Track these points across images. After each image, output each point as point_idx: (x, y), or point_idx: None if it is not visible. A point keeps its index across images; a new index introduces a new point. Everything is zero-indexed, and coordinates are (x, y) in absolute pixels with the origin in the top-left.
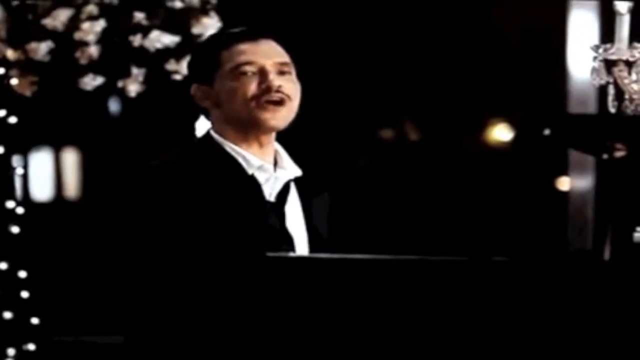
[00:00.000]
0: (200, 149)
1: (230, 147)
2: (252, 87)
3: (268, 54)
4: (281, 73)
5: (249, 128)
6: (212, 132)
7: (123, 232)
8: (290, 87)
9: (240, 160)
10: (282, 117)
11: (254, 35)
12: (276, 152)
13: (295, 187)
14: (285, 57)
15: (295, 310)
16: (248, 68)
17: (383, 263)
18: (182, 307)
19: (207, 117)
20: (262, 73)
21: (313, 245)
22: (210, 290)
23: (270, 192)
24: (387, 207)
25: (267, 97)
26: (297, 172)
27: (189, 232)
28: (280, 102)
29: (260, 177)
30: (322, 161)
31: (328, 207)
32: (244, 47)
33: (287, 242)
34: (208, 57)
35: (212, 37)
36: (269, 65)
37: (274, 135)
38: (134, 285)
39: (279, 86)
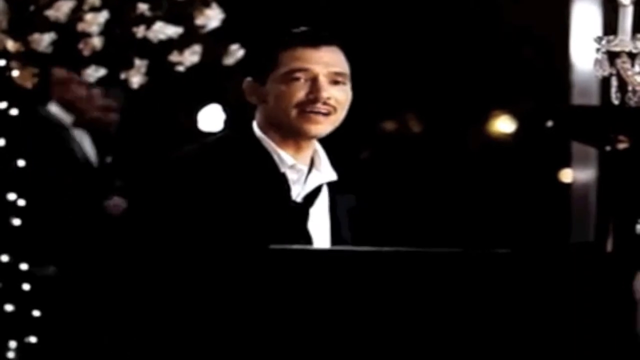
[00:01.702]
0: (238, 140)
1: (268, 143)
2: (300, 95)
3: (325, 63)
4: (334, 82)
5: (288, 133)
6: (254, 126)
7: (137, 221)
8: (340, 97)
9: (275, 157)
10: (324, 127)
11: (316, 41)
12: (315, 153)
13: (328, 191)
14: (342, 67)
15: (298, 302)
16: (301, 75)
17: (384, 255)
18: (190, 298)
19: (254, 110)
20: (314, 82)
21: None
22: (217, 280)
23: (299, 193)
24: (397, 202)
25: (313, 107)
26: (332, 176)
27: (207, 221)
28: (325, 114)
29: (292, 176)
30: (351, 165)
31: (354, 212)
32: (303, 52)
33: (305, 243)
34: (266, 55)
35: (275, 35)
36: (323, 74)
37: (314, 139)
38: (140, 276)
39: (328, 98)
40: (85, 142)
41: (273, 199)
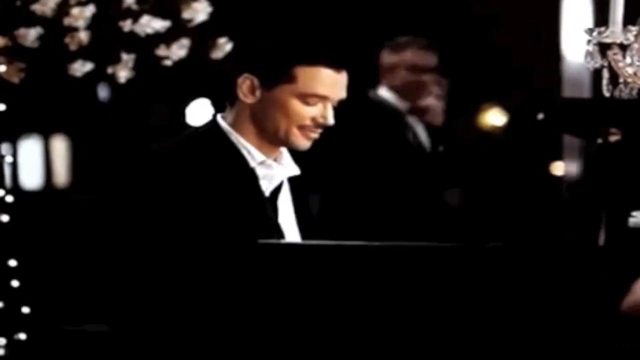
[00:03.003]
0: (204, 135)
1: (236, 138)
2: (307, 118)
3: (340, 89)
4: (333, 107)
5: (272, 141)
6: (220, 120)
7: (116, 219)
8: (332, 119)
9: (244, 152)
10: (311, 141)
11: (339, 64)
12: (279, 149)
13: (288, 184)
14: (345, 93)
15: (286, 297)
16: (319, 101)
17: (373, 249)
18: (173, 295)
19: (230, 102)
20: (324, 108)
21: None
22: (200, 277)
23: (266, 187)
24: (378, 194)
25: (314, 130)
26: (295, 170)
27: (182, 219)
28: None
29: (260, 172)
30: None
31: (319, 203)
32: (326, 75)
33: (279, 236)
34: (284, 64)
35: (292, 43)
36: (333, 101)
37: None
38: (125, 273)
39: (328, 122)
40: (419, 130)
41: (245, 195)
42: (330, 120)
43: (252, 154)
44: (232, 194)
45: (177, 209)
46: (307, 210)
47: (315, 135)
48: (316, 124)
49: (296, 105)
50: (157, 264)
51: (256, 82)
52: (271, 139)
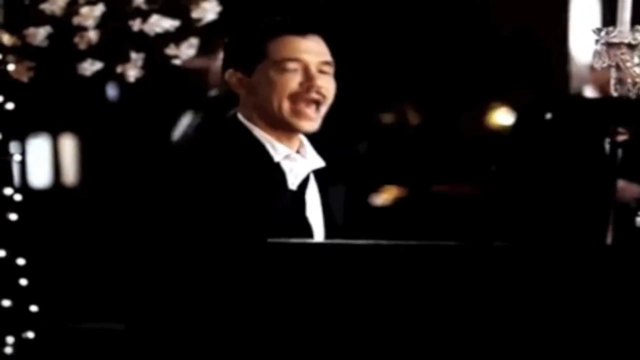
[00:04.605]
0: (227, 131)
1: (259, 134)
2: (293, 85)
3: (314, 52)
4: (322, 72)
5: (278, 125)
6: (240, 116)
7: (134, 217)
8: (329, 87)
9: (268, 147)
10: (315, 124)
11: (303, 29)
12: (300, 142)
13: (314, 176)
14: (329, 56)
15: (299, 296)
16: (292, 65)
17: (386, 248)
18: (189, 293)
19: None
20: (306, 71)
21: (329, 233)
22: (219, 275)
23: (293, 182)
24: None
25: (306, 96)
26: (319, 163)
27: (206, 216)
28: (316, 102)
29: (286, 166)
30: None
31: (343, 195)
32: (291, 40)
33: (306, 230)
34: (252, 45)
35: (259, 24)
36: (314, 64)
37: None
38: (140, 270)
39: (320, 87)
40: None
41: (272, 191)
42: (317, 82)
43: (276, 148)
44: (258, 190)
45: (204, 208)
46: (328, 202)
47: (310, 110)
48: (303, 89)
49: (275, 75)
50: (180, 262)
51: (239, 73)
52: (275, 122)
